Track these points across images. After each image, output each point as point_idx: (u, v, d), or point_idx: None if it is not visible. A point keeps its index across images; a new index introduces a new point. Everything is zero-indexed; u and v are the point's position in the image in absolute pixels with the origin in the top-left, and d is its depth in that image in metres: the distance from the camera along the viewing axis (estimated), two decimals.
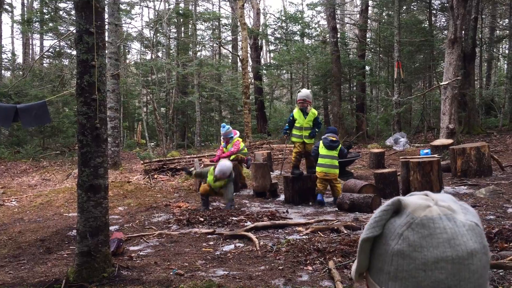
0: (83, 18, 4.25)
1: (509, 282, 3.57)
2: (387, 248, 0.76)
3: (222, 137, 10.39)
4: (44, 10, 21.27)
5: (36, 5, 25.49)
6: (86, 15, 4.26)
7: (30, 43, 30.72)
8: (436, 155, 10.38)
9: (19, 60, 28.84)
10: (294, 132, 8.60)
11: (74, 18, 4.45)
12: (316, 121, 8.55)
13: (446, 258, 0.71)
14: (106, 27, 14.39)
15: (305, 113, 8.40)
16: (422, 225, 0.73)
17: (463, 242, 0.72)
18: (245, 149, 10.65)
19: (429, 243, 0.72)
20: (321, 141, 8.32)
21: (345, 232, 5.87)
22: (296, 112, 8.45)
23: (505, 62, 26.67)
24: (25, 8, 29.43)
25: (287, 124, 8.81)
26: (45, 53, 23.64)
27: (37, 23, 21.78)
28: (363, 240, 0.79)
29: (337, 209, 7.64)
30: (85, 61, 4.27)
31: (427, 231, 0.73)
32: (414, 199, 0.79)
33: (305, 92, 8.54)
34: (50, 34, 23.72)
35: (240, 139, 10.43)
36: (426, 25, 22.80)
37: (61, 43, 22.58)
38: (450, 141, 12.79)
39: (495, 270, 3.87)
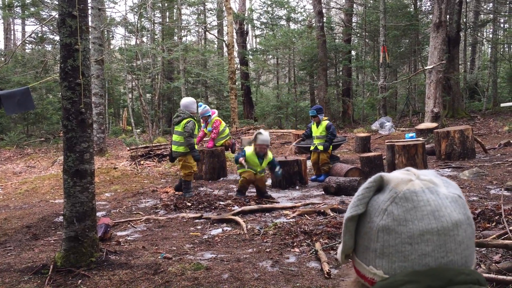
0: (65, 1, 4.18)
1: (491, 260, 3.66)
2: (372, 225, 0.75)
3: (200, 117, 9.73)
4: None
5: None
6: None
7: (12, 28, 30.13)
8: (421, 139, 10.51)
9: (1, 46, 28.34)
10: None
11: (57, 2, 4.38)
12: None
13: (432, 230, 0.70)
14: (89, 11, 14.16)
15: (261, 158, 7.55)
16: (405, 199, 0.73)
17: (447, 214, 0.72)
18: (227, 129, 10.18)
19: (413, 216, 0.71)
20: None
21: (332, 214, 5.93)
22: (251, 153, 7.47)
23: (489, 46, 26.91)
24: None
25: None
26: (27, 39, 23.23)
27: (19, 8, 21.36)
28: (347, 219, 0.78)
29: (323, 192, 7.71)
30: (69, 45, 4.22)
31: (411, 204, 0.72)
32: (396, 174, 0.79)
33: (266, 136, 7.38)
34: (32, 19, 23.31)
35: (220, 119, 10.05)
36: (411, 9, 22.85)
37: (44, 28, 22.21)
38: (434, 124, 12.93)
39: (478, 248, 3.96)
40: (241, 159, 7.33)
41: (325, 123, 8.93)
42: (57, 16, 4.47)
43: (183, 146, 7.48)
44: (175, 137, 7.58)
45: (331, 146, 9.05)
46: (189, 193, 7.64)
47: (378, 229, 0.74)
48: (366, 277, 0.77)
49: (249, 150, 7.43)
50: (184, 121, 7.44)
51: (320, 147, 8.95)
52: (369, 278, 0.76)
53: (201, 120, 9.99)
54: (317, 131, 9.03)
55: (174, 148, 7.60)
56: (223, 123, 10.13)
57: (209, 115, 9.78)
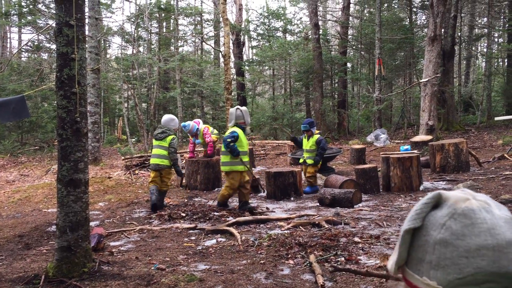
0: (63, 10, 4.19)
1: None
2: (428, 238, 0.79)
3: (190, 134, 10.14)
4: (23, 3, 20.86)
5: None
6: (66, 7, 4.20)
7: (8, 36, 30.14)
8: (415, 151, 10.54)
9: None
10: None
11: (54, 11, 4.39)
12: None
13: (488, 246, 0.74)
14: (87, 20, 14.20)
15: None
16: (464, 215, 0.77)
17: (502, 232, 0.76)
18: (215, 131, 10.62)
19: (471, 232, 0.76)
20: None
21: (326, 226, 5.92)
22: (242, 133, 7.54)
23: (483, 60, 27.15)
24: (3, 1, 28.83)
25: None
26: (24, 47, 23.22)
27: (15, 16, 21.37)
28: (405, 231, 0.82)
29: (318, 204, 7.69)
30: (65, 54, 4.21)
31: (469, 221, 0.76)
32: (454, 193, 0.83)
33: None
34: (29, 28, 23.32)
35: (206, 125, 10.30)
36: (406, 22, 23.06)
37: (40, 37, 22.21)
38: (429, 137, 12.99)
39: None
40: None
41: (316, 137, 8.96)
42: (54, 25, 4.48)
43: (169, 160, 7.71)
44: (159, 151, 7.72)
45: (320, 161, 9.06)
46: (162, 203, 7.75)
47: (435, 242, 0.78)
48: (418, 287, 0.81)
49: (238, 130, 7.21)
50: (170, 137, 7.73)
51: (309, 161, 8.99)
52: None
53: (190, 136, 10.28)
54: (307, 144, 9.07)
55: (158, 161, 7.70)
56: (211, 127, 10.45)
57: (197, 128, 9.97)
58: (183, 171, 9.95)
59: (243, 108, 7.48)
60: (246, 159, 7.30)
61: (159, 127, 7.97)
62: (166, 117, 8.09)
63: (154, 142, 7.86)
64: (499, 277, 0.75)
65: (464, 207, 0.79)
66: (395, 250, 0.84)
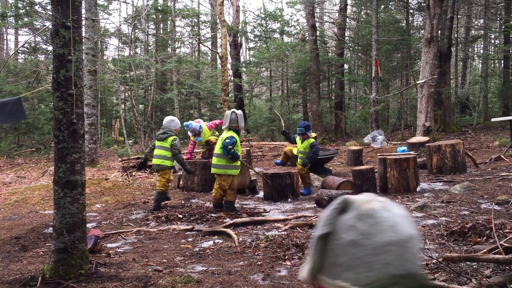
0: (59, 11, 4.19)
1: (482, 274, 3.66)
2: (339, 241, 0.84)
3: (191, 133, 10.02)
4: (19, 5, 20.81)
5: None
6: (62, 8, 4.20)
7: (5, 38, 30.05)
8: (412, 152, 10.56)
9: None
10: None
11: (50, 13, 4.38)
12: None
13: (392, 242, 0.81)
14: (83, 22, 14.17)
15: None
16: (368, 216, 0.84)
17: (403, 228, 0.83)
18: (216, 132, 10.58)
19: (376, 230, 0.82)
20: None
21: None
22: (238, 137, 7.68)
23: (480, 61, 27.23)
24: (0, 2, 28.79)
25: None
26: (20, 49, 23.17)
27: (12, 17, 21.31)
28: (318, 237, 0.86)
29: (315, 205, 7.70)
30: (62, 55, 4.21)
31: (374, 220, 0.83)
32: (358, 197, 0.89)
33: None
34: (25, 29, 23.26)
35: (207, 123, 10.36)
36: (403, 24, 23.10)
37: (37, 38, 22.17)
38: (426, 138, 13.01)
39: (468, 263, 3.96)
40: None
41: (311, 140, 8.94)
42: (50, 26, 4.47)
43: (169, 160, 7.82)
44: (160, 152, 7.83)
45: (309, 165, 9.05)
46: (160, 204, 7.76)
47: (345, 244, 0.83)
48: None
49: (235, 135, 7.33)
50: (171, 138, 7.80)
51: (299, 161, 9.01)
52: None
53: (191, 136, 10.15)
54: (301, 146, 9.05)
55: (159, 161, 7.81)
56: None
57: (200, 126, 9.95)
58: (180, 173, 9.95)
59: (239, 112, 7.53)
60: (238, 163, 7.47)
61: (161, 128, 8.09)
62: (167, 118, 8.21)
63: (156, 143, 7.96)
64: (402, 279, 0.80)
65: (368, 208, 0.85)
66: (308, 259, 0.87)
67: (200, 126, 9.89)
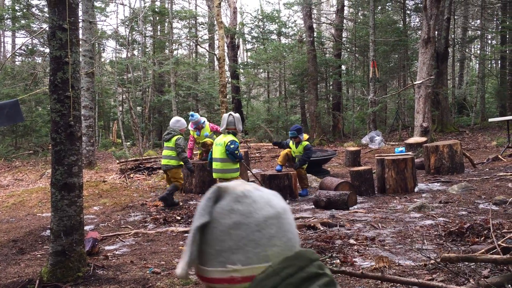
0: (56, 14, 4.19)
1: (480, 274, 3.66)
2: (221, 228, 0.87)
3: (193, 126, 9.97)
4: (16, 7, 20.78)
5: (7, 1, 24.89)
6: (59, 10, 4.19)
7: (2, 40, 30.02)
8: (410, 153, 10.57)
9: None
10: None
11: (47, 15, 4.38)
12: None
13: (272, 216, 0.88)
14: (80, 24, 14.14)
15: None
16: (245, 197, 0.89)
17: (277, 203, 0.91)
18: (214, 135, 10.60)
19: (255, 208, 0.87)
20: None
21: (322, 229, 5.92)
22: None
23: (477, 62, 27.30)
24: None
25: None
26: (17, 51, 23.12)
27: (9, 20, 21.28)
28: (195, 229, 0.87)
29: (313, 206, 7.70)
30: (59, 57, 4.20)
31: (250, 200, 0.88)
32: (229, 183, 0.93)
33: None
34: (23, 32, 23.23)
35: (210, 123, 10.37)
36: (400, 25, 23.14)
37: (34, 41, 22.13)
38: (424, 139, 13.03)
39: (466, 263, 3.96)
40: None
41: (304, 143, 8.88)
42: (47, 28, 4.47)
43: (175, 160, 8.06)
44: (166, 152, 8.15)
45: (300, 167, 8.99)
46: (171, 198, 7.96)
47: (229, 227, 0.86)
48: (223, 279, 0.86)
49: (235, 138, 7.50)
50: (174, 138, 8.05)
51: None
52: (227, 277, 0.86)
53: (193, 129, 10.02)
54: (297, 150, 9.01)
55: (165, 161, 8.13)
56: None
57: (204, 121, 9.95)
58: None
59: (236, 114, 7.65)
60: (238, 165, 7.65)
61: (167, 129, 8.39)
62: (173, 118, 8.51)
63: (164, 144, 8.32)
64: (293, 260, 0.86)
65: (242, 190, 0.90)
66: (184, 253, 0.88)
67: (204, 121, 9.93)
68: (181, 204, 8.30)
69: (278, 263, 0.85)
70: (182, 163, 8.16)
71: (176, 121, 8.36)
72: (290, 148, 9.23)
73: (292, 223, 0.92)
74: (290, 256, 0.87)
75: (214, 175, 7.55)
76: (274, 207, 0.89)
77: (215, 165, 7.47)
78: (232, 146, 7.23)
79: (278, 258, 0.86)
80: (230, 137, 7.40)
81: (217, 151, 7.45)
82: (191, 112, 9.90)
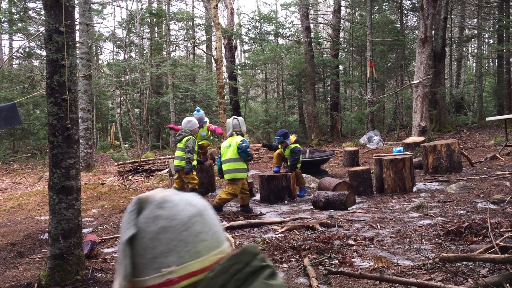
0: (52, 17, 4.18)
1: (478, 274, 3.66)
2: (149, 236, 0.90)
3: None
4: (13, 10, 20.76)
5: (4, 5, 24.85)
6: (55, 13, 4.19)
7: None
8: (408, 153, 10.58)
9: None
10: None
11: (44, 18, 4.37)
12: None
13: (195, 214, 0.92)
14: (77, 27, 14.13)
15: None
16: (165, 202, 0.92)
17: (197, 202, 0.95)
18: (212, 137, 10.84)
19: (178, 210, 0.91)
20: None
21: (320, 229, 5.92)
22: None
23: (474, 61, 27.35)
24: None
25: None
26: (14, 54, 23.10)
27: (6, 23, 21.26)
28: (124, 243, 0.90)
29: (312, 207, 7.70)
30: (55, 60, 4.20)
31: (171, 204, 0.92)
32: (147, 193, 0.97)
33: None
34: (20, 35, 23.20)
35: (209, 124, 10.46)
36: (397, 25, 23.17)
37: (31, 44, 22.10)
38: (422, 138, 13.04)
39: (465, 263, 3.97)
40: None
41: (291, 146, 8.81)
42: (44, 31, 4.46)
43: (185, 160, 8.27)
44: (178, 153, 8.37)
45: (298, 165, 8.93)
46: None
47: (156, 233, 0.89)
48: (160, 283, 0.89)
49: (245, 138, 7.69)
50: (185, 138, 8.22)
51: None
52: (164, 281, 0.89)
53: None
54: (285, 154, 8.99)
55: (177, 162, 8.33)
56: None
57: (206, 121, 10.08)
58: (175, 177, 9.92)
59: (240, 118, 7.92)
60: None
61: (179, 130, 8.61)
62: (184, 119, 8.66)
63: (177, 145, 8.50)
64: (239, 256, 0.91)
65: (162, 196, 0.94)
66: (118, 270, 0.90)
67: (206, 121, 10.11)
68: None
69: (225, 260, 0.91)
70: (195, 164, 8.41)
71: (188, 121, 8.49)
72: (280, 149, 9.20)
73: (214, 217, 0.97)
74: (237, 253, 0.93)
75: (226, 176, 7.56)
76: (195, 206, 0.94)
77: (226, 166, 7.50)
78: (244, 145, 7.39)
79: (208, 252, 0.91)
80: (240, 137, 7.57)
81: (228, 153, 7.50)
82: (197, 108, 10.04)
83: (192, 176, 8.27)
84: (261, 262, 0.93)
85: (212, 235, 0.93)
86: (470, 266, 3.93)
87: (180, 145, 8.31)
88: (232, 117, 7.85)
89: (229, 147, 7.52)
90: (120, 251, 0.90)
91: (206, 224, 0.93)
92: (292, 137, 9.03)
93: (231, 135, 7.69)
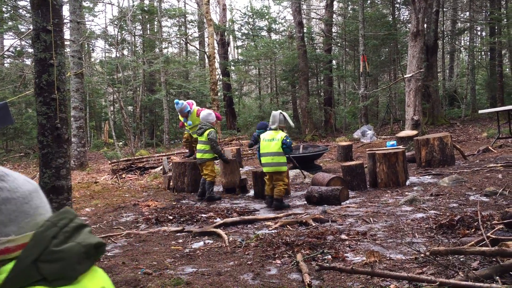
0: (39, 15, 4.15)
1: (469, 267, 3.68)
2: None
3: (179, 114, 9.79)
4: (3, 9, 20.58)
5: None
6: (43, 12, 4.16)
7: None
8: (401, 146, 10.60)
9: None
10: None
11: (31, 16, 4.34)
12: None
13: (33, 190, 0.99)
14: (68, 25, 14.03)
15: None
16: (6, 175, 0.97)
17: (29, 180, 1.02)
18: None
19: (18, 184, 0.97)
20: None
21: (313, 225, 5.93)
22: None
23: (467, 54, 27.42)
24: None
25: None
26: (5, 53, 22.94)
27: None
28: None
29: (306, 202, 7.71)
30: (43, 59, 4.17)
31: (11, 178, 0.98)
32: None
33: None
34: (10, 33, 23.04)
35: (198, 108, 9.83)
36: (390, 19, 23.19)
37: (22, 42, 21.96)
38: (415, 132, 13.07)
39: (456, 256, 3.99)
40: None
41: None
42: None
43: (209, 153, 8.41)
44: (200, 146, 8.49)
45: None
46: (213, 194, 8.34)
47: None
48: None
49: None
50: (207, 132, 8.34)
51: None
52: (2, 249, 0.93)
53: (180, 116, 9.80)
54: None
55: (199, 155, 8.46)
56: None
57: (189, 110, 9.52)
58: (170, 174, 9.92)
59: (285, 113, 8.04)
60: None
61: (199, 124, 8.67)
62: (203, 112, 8.77)
63: (198, 139, 8.57)
64: (61, 214, 1.00)
65: (1, 169, 0.99)
66: None
67: (190, 110, 9.50)
68: (173, 203, 8.28)
69: (53, 216, 1.00)
70: (217, 156, 8.53)
71: (208, 114, 8.61)
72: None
73: (43, 195, 1.05)
74: (61, 211, 1.02)
75: (266, 169, 7.60)
76: (31, 183, 1.01)
77: (270, 159, 7.52)
78: (288, 141, 7.52)
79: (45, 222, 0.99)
80: (283, 133, 7.68)
81: (270, 146, 7.52)
82: (176, 100, 9.71)
83: (211, 169, 8.41)
84: (82, 222, 1.03)
85: (47, 210, 1.02)
86: (462, 259, 3.95)
87: (202, 138, 8.39)
88: (279, 112, 7.87)
89: (271, 141, 7.55)
90: None
91: (42, 200, 1.02)
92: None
93: (276, 129, 7.70)
